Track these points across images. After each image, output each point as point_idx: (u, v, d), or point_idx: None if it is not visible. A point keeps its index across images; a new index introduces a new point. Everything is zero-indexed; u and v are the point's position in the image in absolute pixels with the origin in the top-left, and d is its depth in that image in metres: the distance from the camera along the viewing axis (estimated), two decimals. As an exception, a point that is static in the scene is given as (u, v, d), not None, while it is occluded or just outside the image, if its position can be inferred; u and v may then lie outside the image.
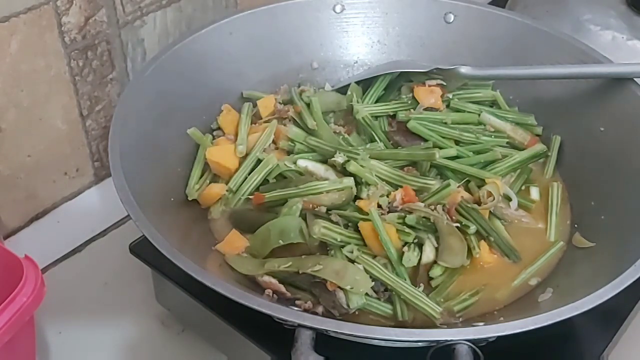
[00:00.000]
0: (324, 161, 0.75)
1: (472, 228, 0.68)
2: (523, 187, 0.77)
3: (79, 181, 0.89)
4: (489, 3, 1.05)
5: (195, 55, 0.80)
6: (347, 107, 0.84)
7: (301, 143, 0.77)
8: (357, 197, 0.71)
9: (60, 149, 0.84)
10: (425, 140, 0.78)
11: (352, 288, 0.62)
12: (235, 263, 0.67)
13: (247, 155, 0.75)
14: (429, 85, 0.83)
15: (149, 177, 0.68)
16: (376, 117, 0.81)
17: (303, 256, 0.65)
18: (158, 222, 0.61)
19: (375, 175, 0.72)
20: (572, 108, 0.81)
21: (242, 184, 0.73)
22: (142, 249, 0.71)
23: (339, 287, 0.62)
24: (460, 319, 0.64)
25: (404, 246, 0.66)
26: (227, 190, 0.73)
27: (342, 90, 0.86)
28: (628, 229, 0.66)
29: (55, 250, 0.84)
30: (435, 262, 0.66)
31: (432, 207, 0.69)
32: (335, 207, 0.70)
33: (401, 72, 0.85)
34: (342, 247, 0.66)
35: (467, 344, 0.53)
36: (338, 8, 0.88)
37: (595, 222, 0.71)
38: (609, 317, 0.68)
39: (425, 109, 0.81)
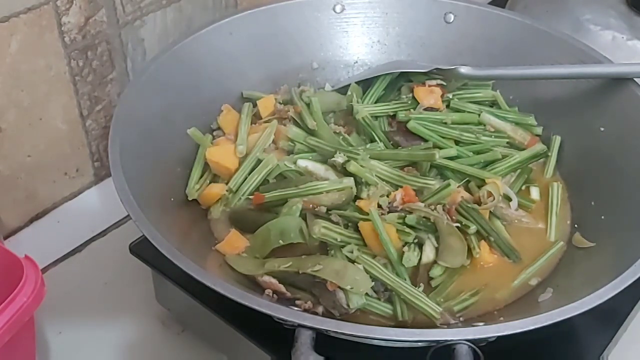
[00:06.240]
0: (324, 161, 0.75)
1: (472, 228, 0.68)
2: (523, 187, 0.77)
3: (79, 181, 0.89)
4: (489, 3, 1.05)
5: (195, 55, 0.80)
6: (347, 107, 0.83)
7: (301, 143, 0.77)
8: (357, 197, 0.71)
9: (60, 149, 0.84)
10: (425, 141, 0.78)
11: (352, 288, 0.62)
12: (235, 263, 0.67)
13: (247, 155, 0.75)
14: (429, 85, 0.83)
15: (149, 177, 0.68)
16: (376, 117, 0.81)
17: (303, 256, 0.65)
18: (158, 222, 0.61)
19: (375, 176, 0.72)
20: (572, 108, 0.81)
21: (242, 184, 0.73)
22: (142, 249, 0.71)
23: (339, 287, 0.62)
24: (460, 319, 0.64)
25: (404, 246, 0.66)
26: (227, 190, 0.73)
27: (342, 90, 0.86)
28: (628, 229, 0.66)
29: (55, 250, 0.84)
30: (435, 262, 0.66)
31: (432, 207, 0.69)
32: (335, 207, 0.70)
33: (401, 72, 0.86)
34: (342, 247, 0.66)
35: (467, 344, 0.53)
36: (338, 8, 0.88)
37: (595, 222, 0.71)
38: (609, 317, 0.68)
39: (425, 109, 0.81)
